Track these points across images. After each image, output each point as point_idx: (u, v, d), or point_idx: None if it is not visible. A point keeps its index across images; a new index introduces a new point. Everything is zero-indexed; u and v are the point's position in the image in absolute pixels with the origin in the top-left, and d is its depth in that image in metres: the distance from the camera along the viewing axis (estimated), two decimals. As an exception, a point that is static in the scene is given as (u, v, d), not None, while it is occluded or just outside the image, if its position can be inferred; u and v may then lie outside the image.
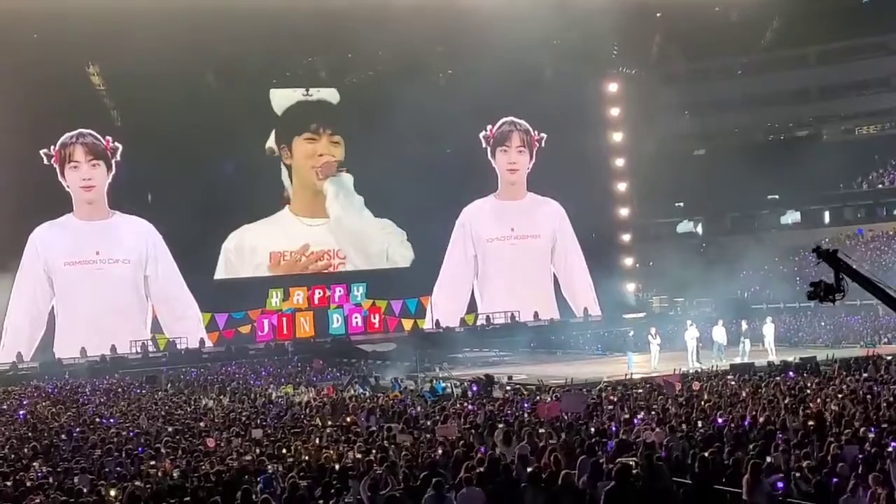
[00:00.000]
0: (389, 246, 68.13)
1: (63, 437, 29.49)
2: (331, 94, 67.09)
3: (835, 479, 17.56)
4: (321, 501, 17.55)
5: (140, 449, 26.09)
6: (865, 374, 33.75)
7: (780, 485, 17.30)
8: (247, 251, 65.27)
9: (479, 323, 67.61)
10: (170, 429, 30.20)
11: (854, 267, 19.30)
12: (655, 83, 70.23)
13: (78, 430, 30.82)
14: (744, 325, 48.93)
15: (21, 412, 37.29)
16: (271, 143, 65.33)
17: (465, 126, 67.31)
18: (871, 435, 20.61)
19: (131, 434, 29.04)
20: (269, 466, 21.99)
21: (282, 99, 66.27)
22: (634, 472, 16.98)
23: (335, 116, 66.90)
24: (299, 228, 66.34)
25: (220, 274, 64.33)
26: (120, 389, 45.81)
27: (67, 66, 57.81)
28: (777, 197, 75.06)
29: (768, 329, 48.89)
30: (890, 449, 18.96)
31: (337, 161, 66.27)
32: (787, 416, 24.13)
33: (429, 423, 27.71)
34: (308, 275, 66.19)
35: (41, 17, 53.92)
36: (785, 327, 55.95)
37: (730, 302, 59.63)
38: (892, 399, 26.14)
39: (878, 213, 74.03)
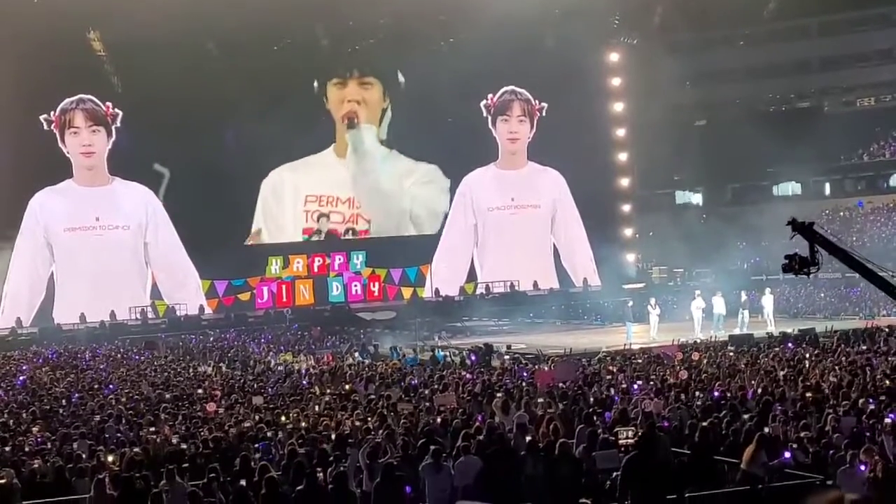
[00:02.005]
0: (413, 207, 68.42)
1: (63, 402, 29.59)
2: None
3: (831, 451, 17.64)
4: (319, 468, 17.60)
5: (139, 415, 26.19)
6: (864, 346, 33.84)
7: (787, 455, 17.34)
8: (286, 190, 65.83)
9: (478, 292, 67.49)
10: (168, 395, 30.29)
11: (830, 239, 19.23)
12: (657, 53, 69.96)
13: (77, 395, 30.92)
14: (743, 296, 48.96)
15: (20, 378, 37.39)
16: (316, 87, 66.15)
17: (465, 95, 67.22)
18: (871, 406, 20.67)
19: (130, 403, 29.04)
20: (268, 433, 22.09)
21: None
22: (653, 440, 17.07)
23: (369, 56, 66.77)
24: (342, 173, 66.96)
25: (258, 219, 65.07)
26: (119, 355, 45.93)
27: (68, 31, 57.50)
28: (778, 168, 74.96)
29: (767, 300, 48.96)
30: (887, 420, 19.00)
31: (353, 112, 66.43)
32: (785, 388, 24.20)
33: (427, 391, 27.79)
34: (308, 243, 66.19)
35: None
36: (784, 299, 56.05)
37: (730, 273, 59.72)
38: (889, 371, 26.21)
39: (878, 185, 74.03)
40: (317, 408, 25.88)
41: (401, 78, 66.92)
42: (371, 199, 67.23)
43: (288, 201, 65.87)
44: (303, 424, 23.10)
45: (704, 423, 19.18)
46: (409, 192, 68.13)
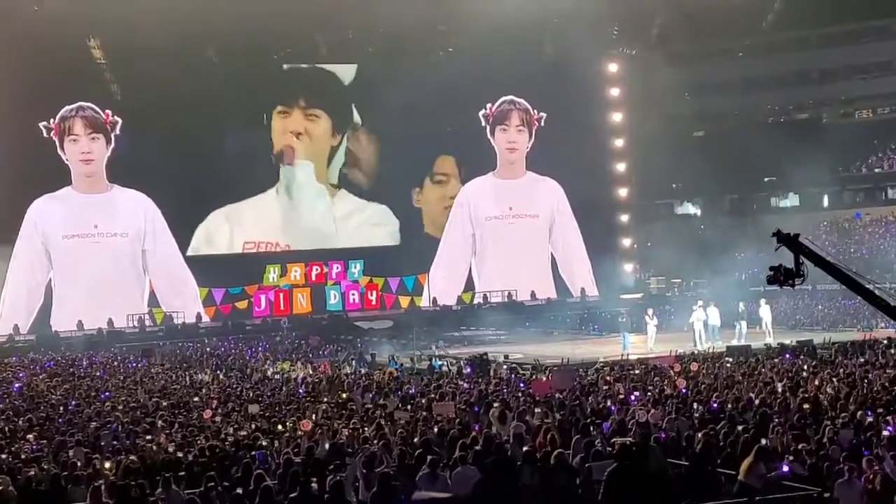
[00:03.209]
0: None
1: (60, 409, 29.54)
2: (337, 68, 66.90)
3: (828, 463, 17.60)
4: (315, 477, 17.55)
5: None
6: (862, 359, 33.83)
7: (785, 469, 17.27)
8: (220, 238, 65.01)
9: (476, 301, 67.56)
10: (165, 403, 30.25)
11: (816, 251, 19.15)
12: (656, 64, 70.07)
13: (74, 403, 30.86)
14: (741, 307, 48.90)
15: (16, 385, 37.32)
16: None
17: (464, 104, 67.34)
18: (869, 419, 20.65)
19: (127, 411, 28.97)
20: (264, 442, 22.06)
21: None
22: (633, 450, 17.00)
23: (323, 89, 66.54)
24: (281, 214, 66.36)
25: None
26: (116, 363, 45.87)
27: (68, 39, 57.57)
28: (776, 179, 75.02)
29: (765, 311, 48.94)
30: (885, 433, 18.98)
31: (288, 147, 65.90)
32: (783, 399, 24.19)
33: (424, 400, 27.76)
34: (306, 251, 66.07)
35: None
36: (782, 310, 56.01)
37: (728, 284, 59.62)
38: (886, 383, 26.19)
39: (877, 197, 73.97)
40: (314, 416, 25.85)
41: (357, 118, 66.73)
42: (302, 241, 66.75)
43: (223, 248, 65.12)
44: (299, 433, 23.07)
45: (702, 434, 19.17)
46: (353, 233, 67.65)
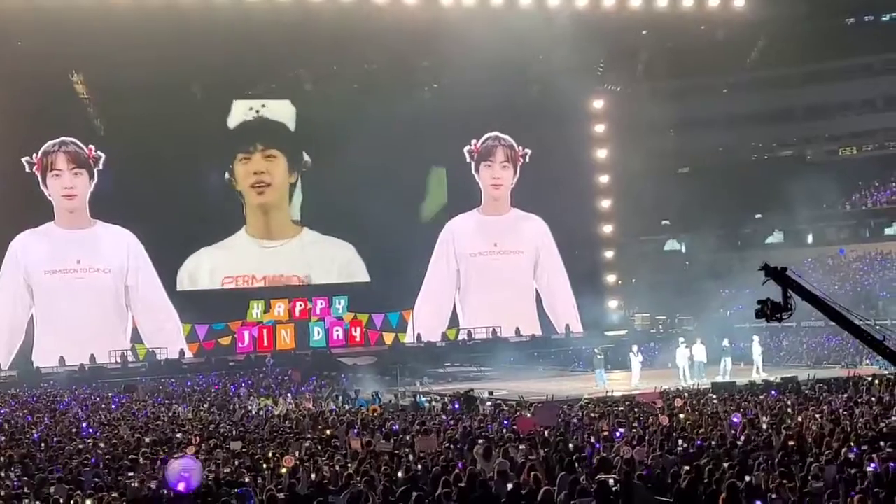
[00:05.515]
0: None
1: (41, 446, 29.30)
2: (277, 109, 66.22)
3: (809, 499, 17.49)
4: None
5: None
6: (846, 395, 33.78)
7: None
8: (202, 274, 64.87)
9: (460, 338, 67.53)
10: (147, 440, 30.02)
11: (804, 285, 19.10)
12: (641, 100, 70.25)
13: (55, 439, 30.63)
14: (725, 343, 48.85)
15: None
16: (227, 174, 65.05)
17: (449, 140, 67.38)
18: (852, 455, 20.54)
19: (108, 447, 28.75)
20: (247, 478, 21.88)
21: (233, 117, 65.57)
22: (614, 489, 16.89)
23: (282, 131, 66.10)
24: (255, 251, 65.96)
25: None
26: (98, 399, 45.60)
27: (51, 74, 57.62)
28: (761, 216, 75.17)
29: (756, 348, 48.93)
30: (869, 470, 18.89)
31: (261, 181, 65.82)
32: (768, 436, 24.09)
33: (408, 437, 27.59)
34: (290, 287, 65.93)
35: (25, 24, 53.75)
36: (766, 347, 55.97)
37: (713, 320, 59.62)
38: (871, 420, 26.13)
39: (860, 234, 74.19)
40: (297, 453, 25.67)
41: (306, 157, 66.34)
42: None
43: (204, 285, 65.04)
44: (283, 470, 22.89)
45: (686, 470, 19.06)
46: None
